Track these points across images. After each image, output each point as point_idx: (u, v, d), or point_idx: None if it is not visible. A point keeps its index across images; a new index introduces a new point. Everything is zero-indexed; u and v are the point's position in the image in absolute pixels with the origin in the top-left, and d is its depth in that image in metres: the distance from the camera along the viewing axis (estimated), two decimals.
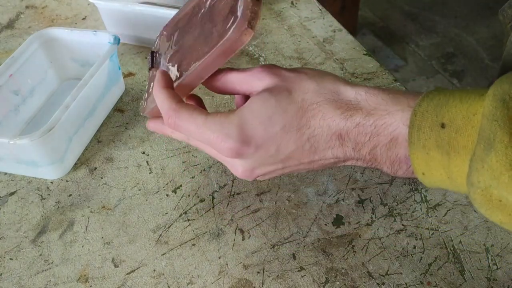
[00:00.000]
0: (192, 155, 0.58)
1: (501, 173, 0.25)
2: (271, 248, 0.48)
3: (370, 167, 0.37)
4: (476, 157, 0.27)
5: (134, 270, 0.47)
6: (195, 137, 0.38)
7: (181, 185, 0.55)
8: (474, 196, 0.27)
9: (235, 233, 0.50)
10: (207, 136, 0.36)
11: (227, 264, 0.47)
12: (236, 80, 0.39)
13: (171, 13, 0.68)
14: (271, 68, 0.38)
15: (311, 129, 0.35)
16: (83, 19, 0.83)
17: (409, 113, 0.31)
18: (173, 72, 0.42)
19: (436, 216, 0.50)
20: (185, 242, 0.49)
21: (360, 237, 0.49)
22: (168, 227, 0.51)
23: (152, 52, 0.48)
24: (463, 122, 0.28)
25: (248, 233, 0.50)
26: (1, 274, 0.47)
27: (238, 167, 0.39)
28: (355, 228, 0.50)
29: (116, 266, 0.48)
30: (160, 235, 0.50)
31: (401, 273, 0.46)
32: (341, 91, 0.35)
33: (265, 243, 0.49)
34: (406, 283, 0.45)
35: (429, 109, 0.30)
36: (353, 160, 0.37)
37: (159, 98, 0.38)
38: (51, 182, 0.56)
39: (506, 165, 0.25)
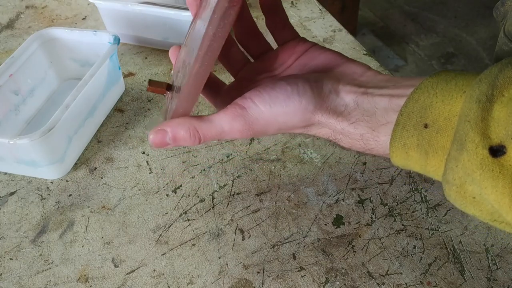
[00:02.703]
0: (192, 155, 0.58)
1: (473, 171, 0.26)
2: (271, 248, 0.48)
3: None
4: (451, 157, 0.28)
5: (134, 270, 0.47)
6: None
7: (181, 185, 0.55)
8: (449, 192, 0.29)
9: (235, 233, 0.50)
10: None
11: (227, 264, 0.47)
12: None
13: (171, 13, 0.68)
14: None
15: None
16: (83, 19, 0.83)
17: (394, 116, 0.33)
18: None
19: (436, 216, 0.50)
20: (185, 242, 0.49)
21: (360, 237, 0.49)
22: (168, 227, 0.51)
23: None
24: (444, 123, 0.29)
25: (248, 233, 0.50)
26: (1, 274, 0.47)
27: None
28: (355, 228, 0.50)
29: (116, 266, 0.48)
30: (160, 235, 0.50)
31: (401, 273, 0.46)
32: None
33: (265, 243, 0.49)
34: (406, 283, 0.45)
35: (415, 110, 0.31)
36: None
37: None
38: (51, 182, 0.56)
39: (477, 163, 0.26)
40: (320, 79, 0.36)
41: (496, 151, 0.26)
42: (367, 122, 0.34)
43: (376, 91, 0.34)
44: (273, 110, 0.34)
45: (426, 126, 0.30)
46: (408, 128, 0.31)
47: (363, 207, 0.52)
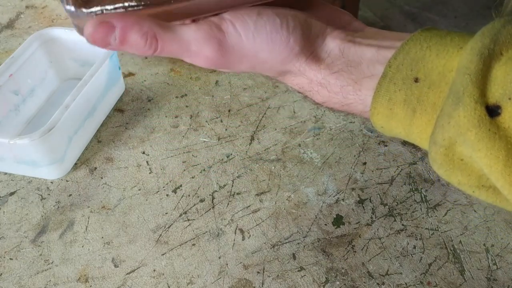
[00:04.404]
0: (192, 155, 0.58)
1: (467, 129, 0.24)
2: (271, 248, 0.48)
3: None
4: (443, 112, 0.25)
5: (134, 270, 0.47)
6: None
7: (181, 185, 0.55)
8: (435, 156, 0.26)
9: (235, 233, 0.50)
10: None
11: (227, 264, 0.47)
12: None
13: None
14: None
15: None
16: None
17: (380, 68, 0.29)
18: None
19: (436, 216, 0.50)
20: (185, 242, 0.49)
21: (360, 237, 0.49)
22: (168, 227, 0.51)
23: None
24: (437, 78, 0.27)
25: (248, 233, 0.50)
26: (1, 274, 0.47)
27: None
28: (355, 228, 0.50)
29: (116, 266, 0.48)
30: (160, 235, 0.50)
31: (401, 273, 0.46)
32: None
33: (265, 243, 0.49)
34: (406, 283, 0.45)
35: (405, 63, 0.28)
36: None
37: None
38: (51, 182, 0.56)
39: (474, 121, 0.24)
40: (309, 19, 0.31)
41: (492, 111, 0.24)
42: (351, 74, 0.30)
43: (364, 41, 0.31)
44: (256, 42, 0.29)
45: (416, 80, 0.27)
46: (396, 81, 0.28)
47: (363, 207, 0.52)
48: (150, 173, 0.56)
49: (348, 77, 0.30)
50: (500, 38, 0.25)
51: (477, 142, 0.24)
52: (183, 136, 0.61)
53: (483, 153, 0.24)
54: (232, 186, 0.54)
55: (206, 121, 0.62)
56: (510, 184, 0.23)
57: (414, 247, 0.48)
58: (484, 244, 0.48)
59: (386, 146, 0.58)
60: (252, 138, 0.60)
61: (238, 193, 0.53)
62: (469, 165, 0.25)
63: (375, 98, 0.29)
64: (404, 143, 0.58)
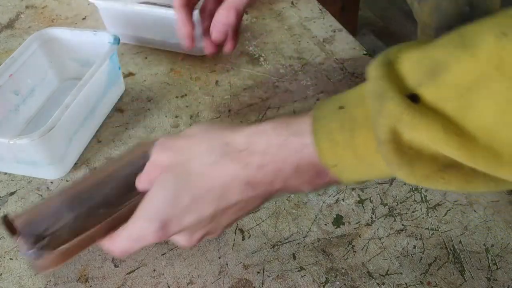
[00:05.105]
0: None
1: (401, 113, 0.26)
2: (271, 248, 0.48)
3: (293, 191, 0.36)
4: (375, 112, 0.28)
5: (134, 270, 0.47)
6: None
7: None
8: (388, 155, 0.27)
9: (235, 233, 0.50)
10: (134, 232, 0.36)
11: (227, 264, 0.47)
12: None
13: (171, 13, 0.68)
14: (162, 144, 0.37)
15: (219, 188, 0.34)
16: (83, 19, 0.83)
17: (308, 121, 0.32)
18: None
19: (436, 216, 0.50)
20: None
21: (360, 237, 0.49)
22: None
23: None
24: (358, 99, 0.30)
25: (248, 233, 0.50)
26: (1, 274, 0.47)
27: (178, 242, 0.38)
28: (355, 228, 0.50)
29: (116, 266, 0.48)
30: None
31: (401, 273, 0.46)
32: (230, 142, 0.35)
33: (265, 243, 0.49)
34: (406, 283, 0.45)
35: (327, 102, 0.32)
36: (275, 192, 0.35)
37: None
38: (51, 182, 0.56)
39: (404, 105, 0.26)
40: None
41: (414, 98, 0.26)
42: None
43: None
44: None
45: (341, 107, 0.31)
46: (325, 115, 0.31)
47: (363, 207, 0.52)
48: None
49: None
50: (390, 52, 0.29)
51: (414, 120, 0.25)
52: None
53: (423, 128, 0.25)
54: None
55: (206, 121, 0.62)
56: (456, 148, 0.25)
57: (414, 247, 0.48)
58: (484, 244, 0.48)
59: None
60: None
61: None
62: (420, 150, 0.27)
63: (316, 139, 0.31)
64: None
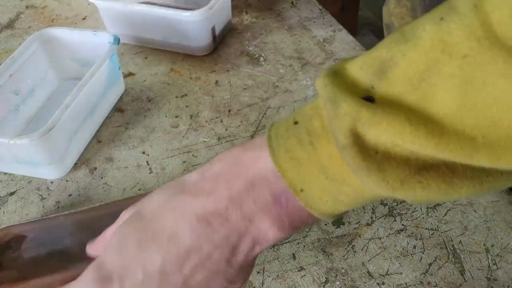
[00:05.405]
0: (192, 155, 0.58)
1: (358, 112, 0.24)
2: (271, 248, 0.48)
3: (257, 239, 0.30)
4: (331, 121, 0.26)
5: None
6: None
7: None
8: (353, 162, 0.25)
9: None
10: None
11: None
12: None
13: (171, 13, 0.68)
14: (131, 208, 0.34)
15: (169, 228, 0.30)
16: (83, 19, 0.83)
17: (264, 142, 0.30)
18: None
19: (436, 216, 0.50)
20: None
21: (360, 237, 0.49)
22: None
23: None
24: (312, 111, 0.28)
25: None
26: None
27: None
28: (355, 228, 0.50)
29: None
30: None
31: (401, 273, 0.46)
32: (185, 178, 0.32)
33: None
34: (406, 283, 0.45)
35: (281, 121, 0.29)
36: (249, 237, 0.30)
37: None
38: (51, 182, 0.56)
39: (359, 104, 0.24)
40: None
41: (369, 99, 0.25)
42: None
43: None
44: None
45: (296, 122, 0.28)
46: (281, 133, 0.29)
47: (363, 207, 0.52)
48: (150, 173, 0.56)
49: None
50: (335, 66, 0.27)
51: (375, 116, 0.24)
52: (183, 136, 0.61)
53: (386, 123, 0.23)
54: None
55: (206, 121, 0.62)
56: (425, 139, 0.23)
57: (414, 247, 0.48)
58: (484, 244, 0.48)
59: None
60: (253, 138, 0.60)
61: None
62: (388, 153, 0.24)
63: (275, 159, 0.28)
64: None
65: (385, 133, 0.24)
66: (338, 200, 0.28)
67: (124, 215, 0.34)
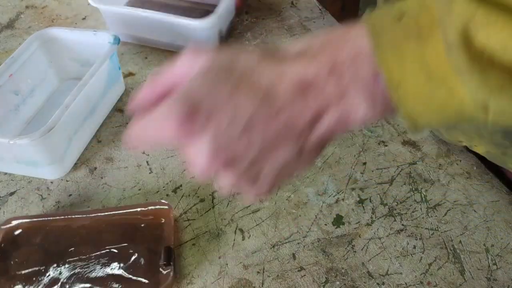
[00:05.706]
0: None
1: (475, 10, 0.23)
2: (271, 248, 0.48)
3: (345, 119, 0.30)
4: (442, 16, 0.25)
5: None
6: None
7: (181, 185, 0.55)
8: (458, 61, 0.24)
9: (235, 233, 0.50)
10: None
11: (227, 264, 0.47)
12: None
13: (181, 21, 0.68)
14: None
15: (264, 85, 0.29)
16: (83, 19, 0.83)
17: (362, 30, 0.29)
18: None
19: (436, 216, 0.50)
20: (185, 242, 0.49)
21: (360, 237, 0.49)
22: None
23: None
24: (421, 7, 0.27)
25: (248, 233, 0.50)
26: None
27: (197, 152, 0.30)
28: (355, 228, 0.50)
29: None
30: None
31: (401, 273, 0.46)
32: (279, 48, 0.31)
33: (265, 243, 0.49)
34: (406, 283, 0.45)
35: (381, 12, 0.28)
36: (327, 108, 0.30)
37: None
38: (51, 182, 0.56)
39: (476, 2, 0.23)
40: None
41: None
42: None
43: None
44: None
45: (401, 17, 0.27)
46: (385, 26, 0.28)
47: (363, 207, 0.52)
48: (150, 173, 0.56)
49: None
50: None
51: (490, 16, 0.23)
52: None
53: (500, 24, 0.23)
54: None
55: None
56: None
57: (414, 247, 0.48)
58: (484, 244, 0.48)
59: (386, 146, 0.58)
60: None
61: (238, 193, 0.53)
62: (493, 57, 0.24)
63: (377, 51, 0.27)
64: (404, 143, 0.58)
65: (499, 33, 0.23)
66: (427, 106, 0.28)
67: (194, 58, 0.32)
